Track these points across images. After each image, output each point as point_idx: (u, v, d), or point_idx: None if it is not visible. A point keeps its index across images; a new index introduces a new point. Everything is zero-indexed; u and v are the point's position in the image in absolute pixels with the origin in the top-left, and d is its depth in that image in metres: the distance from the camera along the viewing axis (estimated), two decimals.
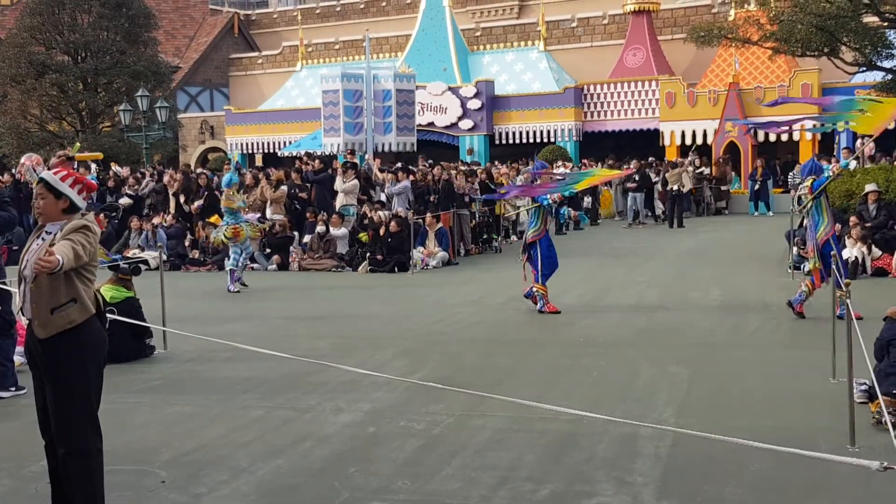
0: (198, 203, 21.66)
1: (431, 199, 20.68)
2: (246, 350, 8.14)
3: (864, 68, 21.85)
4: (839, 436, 6.62)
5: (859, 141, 28.53)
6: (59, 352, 5.13)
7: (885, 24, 20.08)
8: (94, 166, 26.83)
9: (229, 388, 8.88)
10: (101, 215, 22.30)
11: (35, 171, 22.92)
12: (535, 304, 12.88)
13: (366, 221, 19.61)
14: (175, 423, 7.71)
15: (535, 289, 12.83)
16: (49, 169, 5.64)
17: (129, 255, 19.59)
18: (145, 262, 18.39)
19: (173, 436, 7.30)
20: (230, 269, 16.13)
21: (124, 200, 23.00)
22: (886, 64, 20.54)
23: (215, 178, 22.66)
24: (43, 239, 5.28)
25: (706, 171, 30.94)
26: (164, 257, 18.43)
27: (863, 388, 7.40)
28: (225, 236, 16.02)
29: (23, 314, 5.39)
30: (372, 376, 8.50)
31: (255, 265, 19.49)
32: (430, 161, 25.19)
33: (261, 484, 6.19)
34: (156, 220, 21.18)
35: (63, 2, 39.33)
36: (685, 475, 6.16)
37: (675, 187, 26.29)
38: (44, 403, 5.29)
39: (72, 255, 4.99)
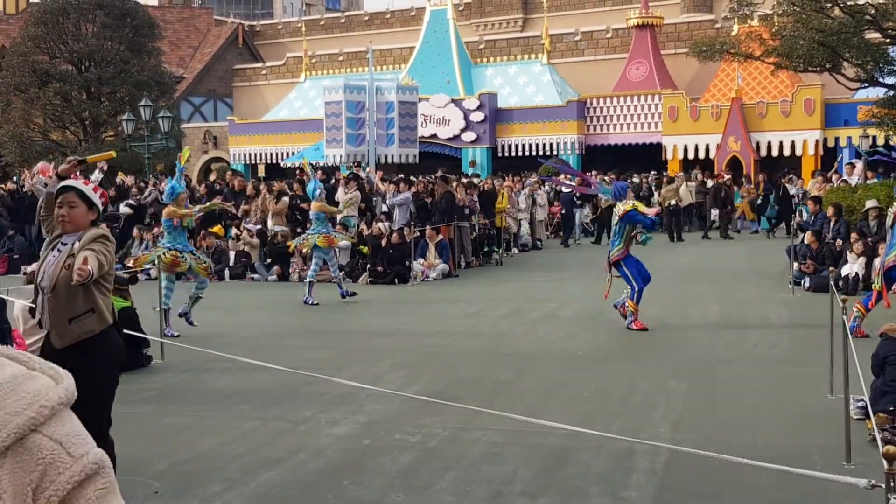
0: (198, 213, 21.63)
1: (429, 202, 20.67)
2: (242, 361, 8.13)
3: (867, 84, 21.86)
4: (835, 452, 6.58)
5: (858, 164, 28.47)
6: (76, 361, 5.14)
7: (887, 40, 20.10)
8: (97, 174, 26.89)
9: (225, 399, 8.86)
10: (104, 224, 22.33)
11: (46, 180, 23.05)
12: (625, 317, 12.48)
13: (364, 235, 19.59)
14: (169, 434, 7.69)
15: (628, 305, 12.40)
16: (59, 175, 5.64)
17: (129, 264, 19.59)
18: (146, 271, 18.39)
19: (167, 446, 7.28)
20: (309, 281, 15.57)
21: (125, 210, 23.00)
22: (888, 80, 20.56)
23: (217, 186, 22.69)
24: (59, 250, 5.28)
25: (710, 184, 30.90)
26: None
27: (860, 404, 7.36)
28: (317, 244, 15.51)
29: (41, 325, 5.40)
30: (368, 388, 8.47)
31: (255, 276, 19.49)
32: (440, 172, 25.20)
33: (254, 496, 6.16)
34: (156, 230, 21.16)
35: (67, 11, 39.47)
36: (680, 491, 6.13)
37: (673, 202, 26.29)
38: None
39: (97, 265, 5.02)
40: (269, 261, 19.79)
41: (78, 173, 27.18)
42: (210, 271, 13.16)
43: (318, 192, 15.76)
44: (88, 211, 5.33)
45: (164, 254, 12.46)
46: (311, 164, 18.37)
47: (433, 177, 23.89)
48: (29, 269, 12.49)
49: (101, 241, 5.23)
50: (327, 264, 16.06)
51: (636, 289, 12.34)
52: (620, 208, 12.37)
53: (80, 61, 40.03)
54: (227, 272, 19.73)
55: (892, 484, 3.31)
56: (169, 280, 12.46)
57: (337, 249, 15.95)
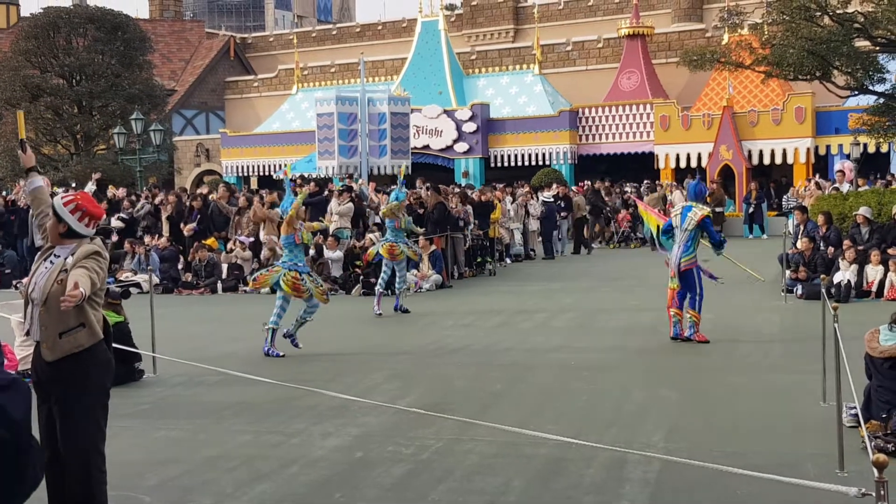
0: (191, 225, 21.63)
1: (421, 212, 20.64)
2: (234, 374, 8.12)
3: (857, 92, 21.93)
4: (828, 460, 6.58)
5: (845, 163, 28.58)
6: (65, 374, 5.18)
7: (877, 48, 20.17)
8: (91, 185, 26.83)
9: (217, 412, 8.83)
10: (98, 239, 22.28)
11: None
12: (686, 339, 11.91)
13: (356, 251, 19.57)
14: (162, 448, 7.66)
15: (689, 314, 11.93)
16: (28, 170, 5.70)
17: (121, 277, 19.56)
18: (137, 285, 18.38)
19: (159, 460, 7.26)
20: (378, 292, 15.39)
21: (117, 223, 22.96)
22: (878, 88, 20.62)
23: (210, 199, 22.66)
24: (52, 262, 5.28)
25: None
26: (157, 280, 18.44)
27: (852, 411, 7.37)
28: (380, 253, 15.33)
29: (30, 336, 5.40)
30: (361, 400, 8.45)
31: (247, 288, 19.45)
32: (428, 184, 25.18)
33: None
34: (148, 242, 21.14)
35: (58, 25, 39.49)
36: (672, 500, 6.12)
37: (657, 210, 26.35)
38: (46, 420, 5.34)
39: (89, 285, 5.02)
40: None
41: (74, 184, 26.95)
42: (326, 295, 12.19)
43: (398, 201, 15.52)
44: (58, 224, 5.33)
45: (285, 274, 11.70)
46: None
47: (424, 187, 23.90)
48: (23, 283, 12.42)
49: (94, 258, 5.22)
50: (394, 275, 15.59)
51: (700, 298, 11.88)
52: (697, 213, 11.73)
53: (71, 75, 40.04)
54: (219, 285, 19.69)
55: (882, 492, 3.31)
56: (284, 299, 11.81)
57: (404, 262, 15.49)
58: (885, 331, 7.40)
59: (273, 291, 12.52)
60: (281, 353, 11.61)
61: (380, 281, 15.40)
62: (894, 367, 7.22)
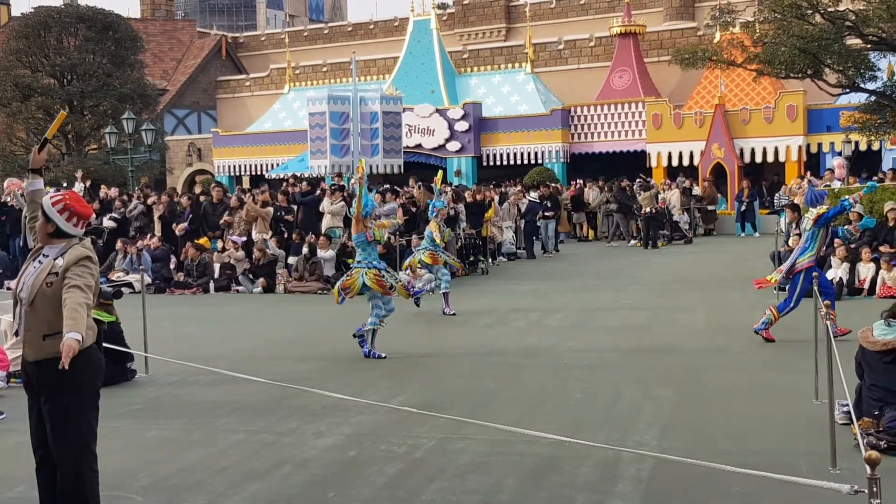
0: (182, 225, 21.60)
1: (414, 210, 20.64)
2: (227, 374, 8.10)
3: (848, 90, 21.96)
4: (821, 458, 6.59)
5: (835, 160, 28.66)
6: (54, 374, 5.11)
7: (868, 46, 20.19)
8: (80, 185, 26.75)
9: (210, 411, 8.81)
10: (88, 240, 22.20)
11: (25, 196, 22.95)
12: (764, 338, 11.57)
13: (348, 249, 19.54)
14: (154, 448, 7.64)
15: (770, 312, 11.55)
16: (33, 170, 5.71)
17: (113, 277, 19.51)
18: (129, 284, 18.32)
19: (152, 460, 7.24)
20: (444, 292, 15.13)
21: (108, 223, 22.91)
22: (870, 85, 20.65)
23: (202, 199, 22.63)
24: (40, 262, 5.28)
25: (697, 190, 31.01)
26: (149, 280, 18.42)
27: (844, 409, 7.38)
28: (422, 260, 15.28)
29: (17, 335, 5.39)
30: (353, 399, 8.44)
31: (239, 288, 19.43)
32: (420, 183, 25.17)
33: None
34: (140, 243, 21.10)
35: (49, 25, 39.39)
36: (666, 498, 6.12)
37: (649, 209, 26.36)
38: (36, 421, 5.34)
39: (84, 311, 5.07)
40: (251, 276, 19.67)
41: (65, 183, 26.93)
42: (407, 288, 12.00)
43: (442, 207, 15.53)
44: (46, 223, 5.31)
45: (366, 273, 11.31)
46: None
47: (417, 186, 23.92)
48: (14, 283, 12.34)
49: (83, 265, 5.20)
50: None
51: (792, 307, 11.48)
52: (813, 213, 11.33)
53: (62, 75, 39.95)
54: (211, 285, 19.65)
55: (874, 489, 3.31)
56: (376, 297, 11.37)
57: (444, 268, 15.25)
58: (881, 326, 7.41)
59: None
60: (383, 355, 11.25)
61: (444, 284, 15.11)
62: (893, 361, 7.22)
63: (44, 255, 5.31)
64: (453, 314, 14.84)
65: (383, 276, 11.37)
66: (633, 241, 27.42)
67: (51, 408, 5.21)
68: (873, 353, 7.33)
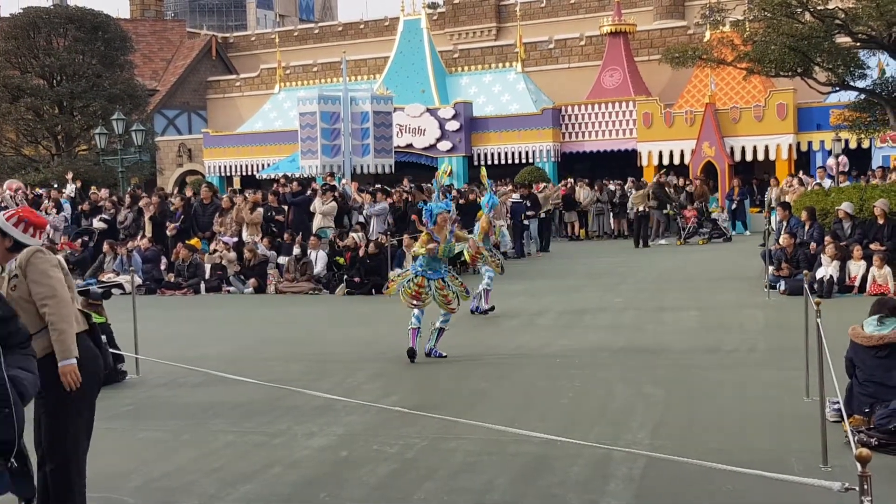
0: (173, 224, 21.55)
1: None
2: (218, 374, 8.08)
3: (838, 88, 22.00)
4: (812, 455, 6.60)
5: (831, 159, 28.76)
6: (44, 376, 5.11)
7: (858, 44, 20.23)
8: (71, 186, 26.68)
9: (200, 413, 8.78)
10: (78, 240, 22.17)
11: (15, 199, 22.84)
12: None
13: (337, 248, 19.53)
14: (144, 449, 7.62)
15: None
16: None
17: (103, 279, 19.46)
18: (120, 286, 18.28)
19: (142, 462, 7.21)
20: (485, 290, 14.68)
21: (99, 224, 22.85)
22: (859, 84, 20.69)
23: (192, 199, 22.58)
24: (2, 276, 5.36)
25: (690, 188, 30.98)
26: (139, 281, 18.37)
27: (835, 406, 7.39)
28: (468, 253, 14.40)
29: None
30: (345, 400, 8.43)
31: (230, 288, 19.39)
32: (413, 185, 25.13)
33: None
34: (130, 244, 21.04)
35: (38, 25, 39.26)
36: (658, 497, 6.12)
37: (640, 208, 26.37)
38: (38, 420, 5.38)
39: (67, 324, 5.27)
40: (242, 276, 19.64)
41: (55, 184, 26.76)
42: (465, 291, 11.52)
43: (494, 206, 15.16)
44: (3, 238, 5.37)
45: (409, 281, 11.15)
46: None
47: (408, 187, 23.90)
48: None
49: (45, 272, 5.28)
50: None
51: None
52: None
53: (51, 75, 39.82)
54: (202, 285, 19.61)
55: (865, 486, 3.31)
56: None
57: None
58: (873, 322, 7.42)
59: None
60: (444, 354, 11.13)
61: (487, 282, 14.52)
62: (888, 356, 7.23)
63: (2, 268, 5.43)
64: (489, 310, 14.58)
65: (427, 287, 11.07)
66: (673, 239, 26.67)
67: (45, 406, 5.28)
68: (866, 349, 7.34)
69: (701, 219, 26.81)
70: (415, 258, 11.60)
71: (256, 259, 19.54)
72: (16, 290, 5.23)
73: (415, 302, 11.08)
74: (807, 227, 17.15)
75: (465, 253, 14.22)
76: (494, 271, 14.52)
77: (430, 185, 24.70)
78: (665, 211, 27.08)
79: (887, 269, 15.15)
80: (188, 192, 24.29)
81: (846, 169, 28.09)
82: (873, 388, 7.22)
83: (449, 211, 11.54)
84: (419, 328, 11.09)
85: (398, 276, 11.68)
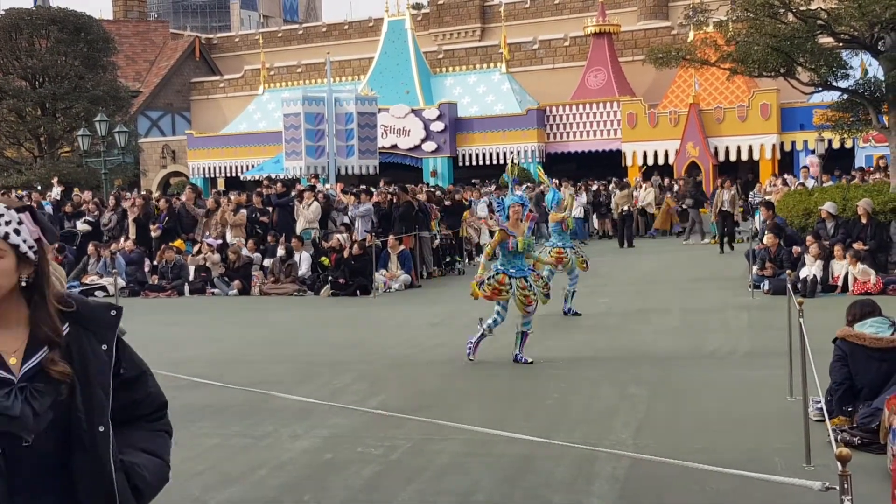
0: (157, 226, 21.47)
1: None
2: (200, 381, 8.05)
3: (821, 88, 22.08)
4: (795, 454, 6.62)
5: (811, 157, 28.88)
6: None
7: (840, 44, 20.32)
8: (56, 189, 26.55)
9: (185, 415, 8.73)
10: (56, 248, 22.06)
11: None
12: None
13: (321, 248, 19.50)
14: None
15: None
16: None
17: (87, 281, 19.39)
18: (103, 288, 18.21)
19: None
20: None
21: (83, 226, 22.75)
22: (842, 84, 20.77)
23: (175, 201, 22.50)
24: None
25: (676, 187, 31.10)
26: (123, 283, 18.29)
27: (818, 406, 7.41)
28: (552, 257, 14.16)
29: None
30: (329, 403, 8.41)
31: (215, 290, 19.34)
32: (395, 187, 25.13)
33: None
34: (114, 246, 20.95)
35: (20, 27, 39.09)
36: (642, 496, 6.14)
37: (626, 208, 26.46)
38: None
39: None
40: (226, 278, 19.59)
41: (39, 187, 26.66)
42: (547, 293, 11.09)
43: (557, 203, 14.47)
44: None
45: (489, 279, 10.72)
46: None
47: (393, 188, 23.84)
48: None
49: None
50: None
51: None
52: None
53: (34, 77, 39.65)
54: (186, 287, 19.54)
55: (845, 486, 3.32)
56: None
57: (575, 269, 14.39)
58: (877, 324, 7.39)
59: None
60: (529, 360, 10.68)
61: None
62: (892, 357, 7.24)
63: None
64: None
65: (507, 285, 10.71)
66: (706, 239, 26.16)
67: None
68: (868, 350, 7.30)
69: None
70: (491, 259, 11.29)
71: (241, 261, 19.50)
72: None
73: (491, 296, 10.74)
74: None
75: (550, 256, 13.91)
76: (579, 268, 14.29)
77: (414, 185, 24.74)
78: (701, 210, 26.95)
79: (861, 266, 15.19)
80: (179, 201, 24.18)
81: (817, 172, 28.20)
82: (868, 389, 7.23)
83: (523, 204, 11.15)
84: (487, 335, 10.77)
85: (477, 275, 11.10)
